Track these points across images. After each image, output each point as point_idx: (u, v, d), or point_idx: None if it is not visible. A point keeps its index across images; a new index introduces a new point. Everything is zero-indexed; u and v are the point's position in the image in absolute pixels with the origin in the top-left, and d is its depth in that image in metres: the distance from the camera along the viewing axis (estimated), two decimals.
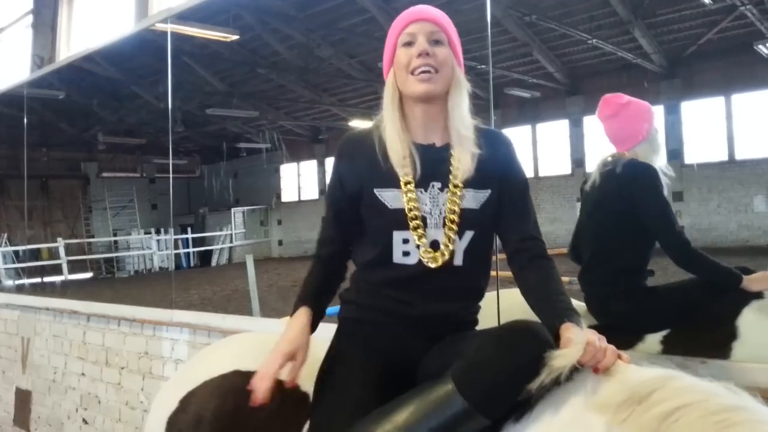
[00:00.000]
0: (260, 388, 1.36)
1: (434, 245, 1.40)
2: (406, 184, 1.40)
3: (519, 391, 1.15)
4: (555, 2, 7.15)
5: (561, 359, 1.12)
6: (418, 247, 1.40)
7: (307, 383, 1.48)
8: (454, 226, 1.40)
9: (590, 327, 2.06)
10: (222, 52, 10.04)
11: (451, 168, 1.41)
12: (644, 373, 1.10)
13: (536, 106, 7.91)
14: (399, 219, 1.41)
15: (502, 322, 2.16)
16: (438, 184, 1.42)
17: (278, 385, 1.40)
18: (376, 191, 1.42)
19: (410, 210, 1.40)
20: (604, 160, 2.15)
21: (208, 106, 11.74)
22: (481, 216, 1.43)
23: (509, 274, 1.51)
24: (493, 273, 2.06)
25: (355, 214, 1.49)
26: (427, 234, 1.40)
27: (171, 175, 4.17)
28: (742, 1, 5.91)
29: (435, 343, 1.42)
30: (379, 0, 8.46)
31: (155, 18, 3.70)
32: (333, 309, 1.93)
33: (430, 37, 1.43)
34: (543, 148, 8.06)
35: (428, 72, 1.40)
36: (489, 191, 1.44)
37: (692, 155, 6.22)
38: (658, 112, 6.12)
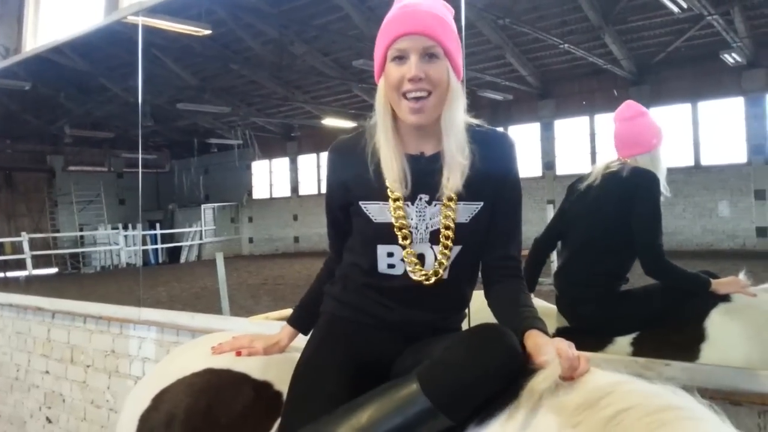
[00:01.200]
0: (221, 350, 1.63)
1: (420, 258, 1.38)
2: (395, 200, 1.36)
3: (484, 394, 1.15)
4: (528, 6, 7.22)
5: (544, 381, 1.11)
6: (403, 260, 1.38)
7: (282, 383, 1.48)
8: (449, 242, 1.37)
9: (561, 328, 2.11)
10: (194, 46, 9.92)
11: (441, 180, 1.35)
12: (601, 378, 1.11)
13: (508, 108, 7.98)
14: (384, 233, 1.38)
15: (476, 321, 2.21)
16: (425, 197, 1.37)
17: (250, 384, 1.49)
18: (362, 204, 1.39)
19: (398, 227, 1.36)
20: (607, 164, 2.18)
21: (178, 100, 11.59)
22: (470, 230, 1.38)
23: None
24: None
25: (344, 215, 1.49)
26: (413, 248, 1.37)
27: (140, 170, 4.11)
28: (709, 11, 6.04)
29: (413, 337, 1.42)
30: None
31: (126, 11, 3.64)
32: None
33: (423, 52, 1.31)
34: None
35: (420, 99, 1.30)
36: (481, 204, 1.39)
37: (663, 158, 6.32)
38: None
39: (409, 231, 1.37)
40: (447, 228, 1.36)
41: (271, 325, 2.49)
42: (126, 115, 11.60)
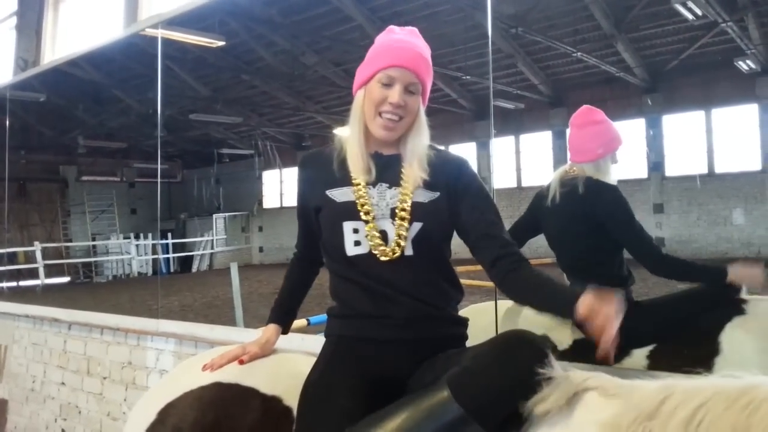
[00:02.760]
0: (214, 365, 1.63)
1: (383, 236, 1.48)
2: (356, 184, 1.52)
3: (516, 401, 1.15)
4: (541, 16, 7.22)
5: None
6: (367, 236, 1.47)
7: (291, 398, 1.47)
8: (405, 222, 1.48)
9: (578, 340, 2.09)
10: (206, 57, 9.98)
11: (401, 176, 1.53)
12: (643, 387, 1.09)
13: (520, 117, 7.97)
14: (347, 210, 1.50)
15: (490, 333, 2.19)
16: (386, 185, 1.53)
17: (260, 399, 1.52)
18: (327, 192, 1.53)
19: (360, 204, 1.50)
20: (561, 177, 2.18)
21: (191, 111, 11.65)
22: (429, 210, 1.50)
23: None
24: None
25: (317, 220, 1.59)
26: (376, 224, 1.48)
27: (159, 180, 4.13)
28: (723, 18, 6.02)
29: (423, 356, 1.43)
30: (365, 9, 8.48)
31: (146, 23, 3.66)
32: (322, 317, 1.95)
33: (407, 87, 1.52)
34: (526, 159, 8.13)
35: (393, 120, 1.51)
36: (438, 194, 1.53)
37: (673, 168, 6.31)
38: (640, 125, 6.21)
39: (371, 207, 1.50)
40: (403, 208, 1.49)
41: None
42: (139, 126, 11.68)
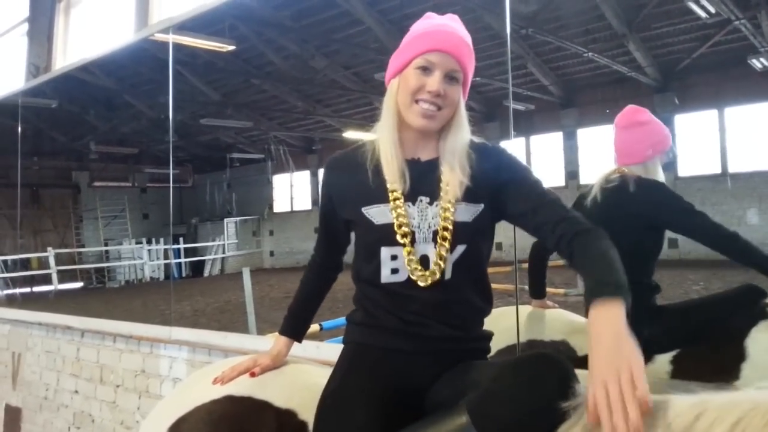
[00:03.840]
0: (225, 378, 1.57)
1: (424, 261, 1.37)
2: (394, 200, 1.38)
3: (537, 429, 1.08)
4: (551, 16, 7.18)
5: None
6: (406, 262, 1.37)
7: (306, 412, 1.43)
8: (446, 243, 1.36)
9: None
10: (216, 62, 10.01)
11: (440, 184, 1.39)
12: (676, 405, 1.02)
13: (530, 118, 7.93)
14: (386, 234, 1.38)
15: (510, 336, 2.16)
16: (426, 199, 1.39)
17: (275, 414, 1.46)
18: (363, 210, 1.41)
19: (399, 225, 1.37)
20: (606, 176, 2.13)
21: (201, 115, 11.69)
22: (473, 229, 1.39)
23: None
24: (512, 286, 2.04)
25: (345, 229, 1.53)
26: (416, 249, 1.37)
27: (171, 185, 4.12)
28: (737, 15, 5.95)
29: (444, 368, 1.37)
30: (375, 12, 8.47)
31: (156, 27, 3.66)
32: (334, 322, 1.91)
33: (448, 73, 1.38)
34: (537, 160, 8.09)
35: (432, 110, 1.37)
36: (482, 206, 1.40)
37: (686, 168, 6.25)
38: None
39: (411, 231, 1.37)
40: (445, 229, 1.36)
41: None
42: (150, 131, 11.73)
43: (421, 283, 1.36)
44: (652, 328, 1.99)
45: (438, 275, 1.36)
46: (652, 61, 6.74)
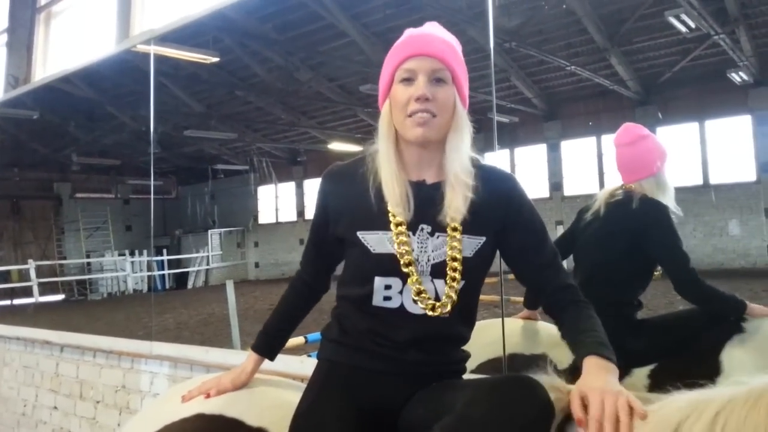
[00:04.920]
0: (188, 396, 1.56)
1: (420, 295, 1.31)
2: (397, 225, 1.31)
3: None
4: (534, 29, 7.25)
5: None
6: (401, 293, 1.32)
7: (277, 429, 1.41)
8: (457, 274, 1.31)
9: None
10: (200, 73, 9.98)
11: (441, 210, 1.31)
12: (666, 405, 1.04)
13: (514, 130, 7.98)
14: (383, 265, 1.32)
15: (492, 351, 2.16)
16: (427, 228, 1.32)
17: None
18: (360, 234, 1.34)
19: (402, 255, 1.30)
20: (612, 192, 2.14)
21: (185, 127, 11.64)
22: (473, 265, 1.34)
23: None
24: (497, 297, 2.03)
25: (337, 245, 1.45)
26: (415, 282, 1.31)
27: (152, 197, 4.10)
28: (716, 30, 6.04)
29: (418, 388, 1.34)
30: (359, 24, 8.50)
31: (137, 39, 3.65)
32: (318, 335, 1.90)
33: (431, 75, 1.31)
34: (521, 172, 8.13)
35: (425, 115, 1.29)
36: (484, 238, 1.34)
37: (672, 179, 6.30)
38: None
39: (411, 261, 1.31)
40: (454, 260, 1.31)
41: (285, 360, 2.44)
42: (133, 143, 11.65)
43: (428, 312, 1.30)
44: (632, 342, 2.00)
45: (448, 308, 1.31)
46: (633, 75, 6.82)
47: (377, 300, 1.34)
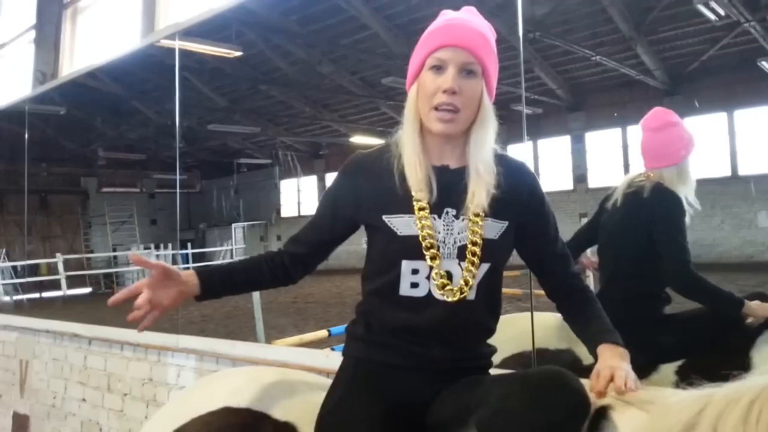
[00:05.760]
0: (117, 298, 1.32)
1: (447, 276, 1.29)
2: (420, 209, 1.30)
3: None
4: (559, 19, 7.16)
5: None
6: (428, 278, 1.30)
7: (305, 425, 1.39)
8: (476, 258, 1.29)
9: None
10: (224, 68, 10.05)
11: (466, 196, 1.30)
12: (679, 398, 1.03)
13: (537, 122, 7.92)
14: (410, 247, 1.29)
15: (516, 345, 2.13)
16: (452, 211, 1.30)
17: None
18: (385, 218, 1.31)
19: (424, 237, 1.28)
20: (629, 181, 2.10)
21: (209, 121, 11.74)
22: (498, 247, 1.32)
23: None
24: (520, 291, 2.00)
25: (345, 230, 1.42)
26: (440, 264, 1.29)
27: (178, 190, 4.11)
28: (746, 17, 5.92)
29: (445, 384, 1.32)
30: (381, 17, 8.47)
31: (161, 33, 3.65)
32: (342, 328, 1.85)
33: (462, 67, 1.28)
34: (544, 164, 8.07)
35: (450, 111, 1.28)
36: (506, 223, 1.33)
37: (696, 170, 6.20)
38: None
39: (437, 244, 1.29)
40: (474, 244, 1.29)
41: (307, 353, 2.44)
42: (157, 137, 11.78)
43: (448, 299, 1.28)
44: (659, 337, 1.97)
45: (467, 292, 1.29)
46: (660, 65, 6.71)
47: (404, 288, 1.31)
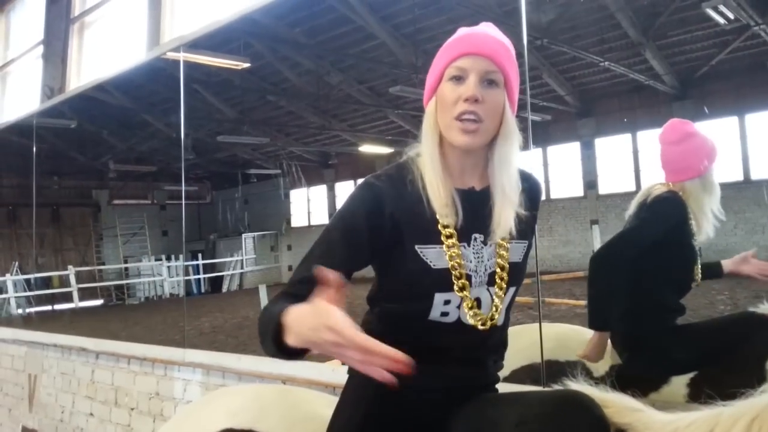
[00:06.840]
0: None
1: (477, 303, 1.26)
2: (448, 237, 1.24)
3: None
4: (566, 26, 7.13)
5: None
6: (458, 306, 1.25)
7: None
8: (503, 283, 1.27)
9: (615, 365, 1.98)
10: (232, 79, 10.10)
11: (492, 219, 1.26)
12: (691, 419, 1.02)
13: (546, 128, 7.88)
14: (443, 280, 1.24)
15: (526, 357, 2.09)
16: (480, 237, 1.26)
17: None
18: (418, 248, 1.24)
19: (454, 267, 1.23)
20: (647, 190, 2.06)
21: (218, 133, 11.79)
22: (522, 269, 1.31)
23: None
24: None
25: (367, 261, 1.29)
26: (471, 293, 1.25)
27: (183, 202, 4.13)
28: (756, 20, 5.86)
29: (454, 402, 1.28)
30: (389, 26, 8.49)
31: (167, 46, 3.67)
32: None
33: (483, 76, 1.23)
34: (554, 171, 8.02)
35: (473, 120, 1.21)
36: (527, 242, 1.33)
37: (715, 179, 6.15)
38: None
39: (468, 275, 1.25)
40: (502, 269, 1.27)
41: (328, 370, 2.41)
42: (167, 149, 11.83)
43: (480, 327, 1.25)
44: (671, 349, 1.92)
45: (497, 319, 1.27)
46: (669, 69, 6.66)
47: (434, 315, 1.26)
